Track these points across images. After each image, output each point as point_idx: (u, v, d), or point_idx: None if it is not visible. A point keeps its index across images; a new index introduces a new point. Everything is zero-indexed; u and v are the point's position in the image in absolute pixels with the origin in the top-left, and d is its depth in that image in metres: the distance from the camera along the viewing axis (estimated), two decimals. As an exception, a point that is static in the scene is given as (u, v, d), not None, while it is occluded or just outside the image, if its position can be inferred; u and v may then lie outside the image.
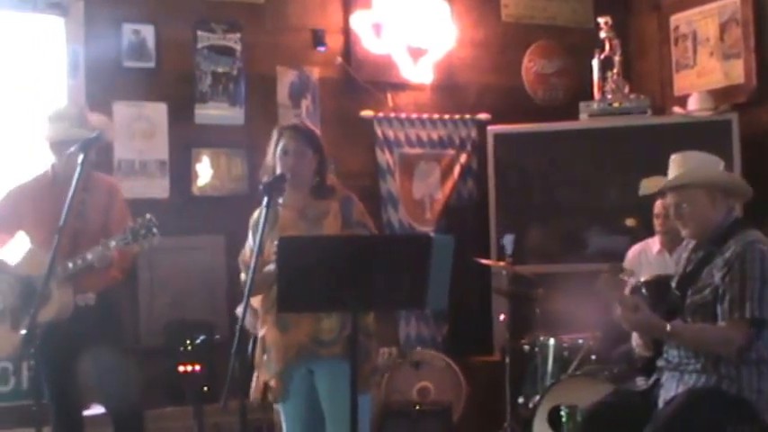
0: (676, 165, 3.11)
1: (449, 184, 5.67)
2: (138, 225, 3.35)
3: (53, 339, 3.56)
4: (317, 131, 3.34)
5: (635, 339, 3.19)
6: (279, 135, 3.24)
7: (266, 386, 3.23)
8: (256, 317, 3.27)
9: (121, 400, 3.70)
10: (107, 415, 3.80)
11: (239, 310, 3.60)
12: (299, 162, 3.19)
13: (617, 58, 5.52)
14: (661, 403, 3.02)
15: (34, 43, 4.93)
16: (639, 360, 3.18)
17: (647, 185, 3.17)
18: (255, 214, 3.29)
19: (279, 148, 3.21)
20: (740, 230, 3.01)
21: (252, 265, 2.85)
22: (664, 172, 3.17)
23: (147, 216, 3.36)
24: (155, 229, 3.34)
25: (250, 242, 3.28)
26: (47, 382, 3.65)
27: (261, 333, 3.26)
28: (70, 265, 3.49)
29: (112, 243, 3.39)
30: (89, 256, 3.45)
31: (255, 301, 3.24)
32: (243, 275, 3.27)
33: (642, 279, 3.52)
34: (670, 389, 3.01)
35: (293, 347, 3.17)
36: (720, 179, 3.11)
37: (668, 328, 2.92)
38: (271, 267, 3.06)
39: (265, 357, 3.22)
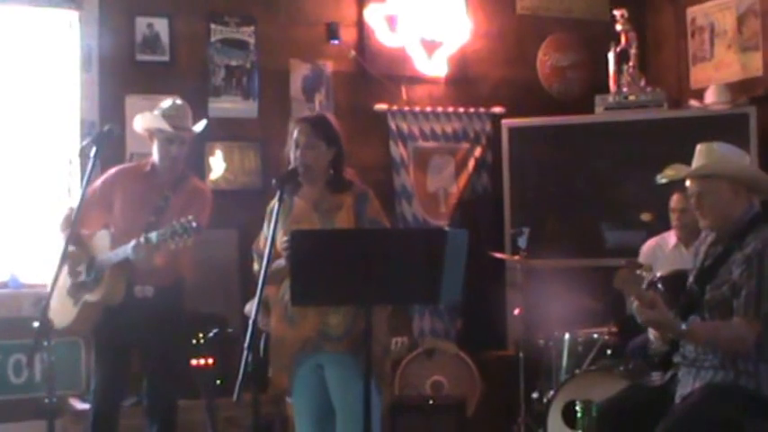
0: (702, 154, 3.07)
1: (463, 178, 5.64)
2: (179, 224, 3.42)
3: (109, 327, 3.69)
4: (335, 123, 3.31)
5: (652, 333, 3.16)
6: (293, 128, 3.23)
7: (274, 380, 3.25)
8: (267, 312, 3.26)
9: (163, 396, 3.81)
10: (139, 404, 3.92)
11: (248, 308, 3.62)
12: (310, 155, 3.17)
13: (633, 51, 5.48)
14: (677, 399, 2.99)
15: (48, 37, 4.94)
16: (656, 355, 3.15)
17: (667, 173, 3.14)
18: (272, 202, 3.26)
19: (292, 141, 3.21)
20: (760, 226, 2.97)
21: (265, 256, 2.84)
22: (680, 163, 3.14)
23: (190, 217, 3.43)
24: (191, 231, 3.40)
25: (265, 231, 3.27)
26: (95, 367, 3.78)
27: (271, 326, 3.25)
28: (120, 251, 3.58)
29: (153, 235, 3.46)
30: (128, 247, 3.52)
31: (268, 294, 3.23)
32: (255, 265, 3.29)
33: (658, 274, 3.49)
34: (686, 384, 2.98)
35: (299, 341, 3.17)
36: (746, 173, 3.07)
37: (683, 327, 2.89)
38: (281, 262, 3.04)
39: (273, 351, 3.24)
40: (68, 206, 3.92)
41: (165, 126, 3.73)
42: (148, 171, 3.83)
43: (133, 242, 3.48)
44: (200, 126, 3.96)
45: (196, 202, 3.79)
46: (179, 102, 3.88)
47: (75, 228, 3.45)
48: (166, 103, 3.86)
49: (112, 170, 3.92)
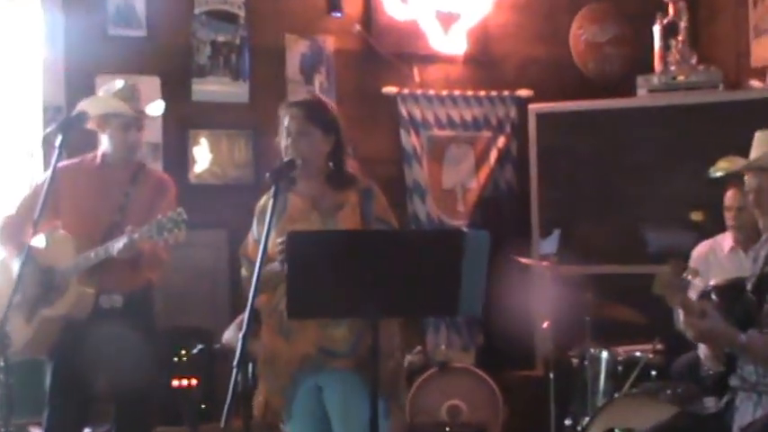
0: (762, 143, 3.04)
1: (484, 172, 5.64)
2: (166, 219, 3.41)
3: (70, 342, 3.64)
4: (332, 107, 3.30)
5: (703, 350, 3.13)
6: (283, 114, 3.23)
7: (267, 403, 3.22)
8: (258, 329, 3.24)
9: (135, 424, 3.77)
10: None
11: (227, 337, 3.61)
12: (304, 144, 3.16)
13: (683, 24, 5.45)
14: (736, 430, 2.96)
15: (5, 9, 4.93)
16: (708, 377, 3.12)
17: (721, 166, 3.12)
18: (263, 200, 3.27)
19: (284, 130, 3.20)
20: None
21: (258, 262, 2.83)
22: (738, 154, 3.11)
23: (179, 210, 3.42)
24: (182, 225, 3.40)
25: (254, 232, 3.26)
26: (49, 393, 3.71)
27: (262, 341, 3.23)
28: (92, 255, 3.56)
29: (136, 235, 3.45)
30: (111, 247, 3.51)
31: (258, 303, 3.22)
32: (243, 271, 3.28)
33: (712, 283, 3.46)
34: (746, 413, 2.95)
35: (297, 359, 3.15)
36: None
37: (742, 339, 2.86)
38: (275, 266, 3.03)
39: (267, 369, 3.21)
40: (3, 215, 3.85)
41: (123, 109, 3.70)
42: (99, 165, 3.79)
43: (124, 239, 3.46)
44: (156, 109, 3.93)
45: (162, 195, 3.78)
46: (131, 82, 3.86)
47: (38, 229, 3.42)
48: (117, 83, 3.82)
49: (54, 170, 3.86)
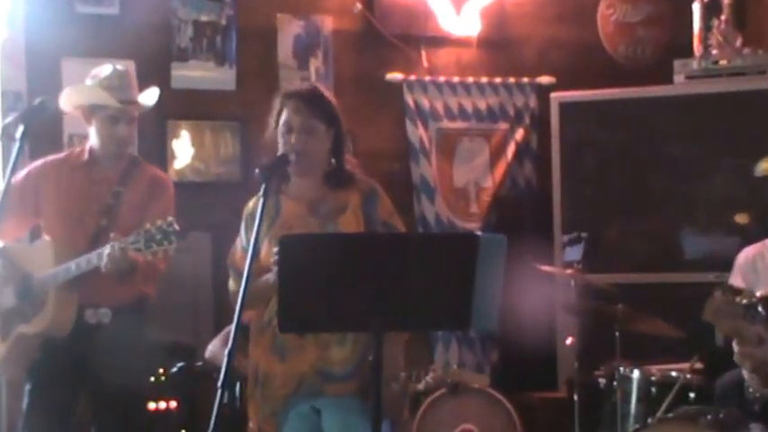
0: None
1: (500, 168, 5.65)
2: (155, 228, 3.40)
3: (52, 360, 3.64)
4: (333, 99, 3.31)
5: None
6: (281, 105, 3.23)
7: (259, 430, 3.22)
8: (245, 345, 3.25)
9: None
10: None
11: (211, 350, 3.58)
12: (307, 141, 3.17)
13: (726, 1, 5.45)
14: (786, 460, 2.97)
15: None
16: (756, 400, 3.12)
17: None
18: (251, 203, 3.27)
19: (281, 123, 3.20)
20: None
21: (246, 270, 2.83)
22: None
23: (169, 219, 3.42)
24: (173, 237, 3.39)
25: (243, 240, 3.27)
26: (27, 419, 3.71)
27: (252, 360, 3.24)
28: (73, 266, 3.55)
29: (121, 245, 3.44)
30: (94, 258, 3.50)
31: (248, 317, 3.23)
32: (231, 282, 3.28)
33: (758, 293, 3.46)
34: (799, 440, 2.95)
35: (292, 380, 3.16)
36: None
37: None
38: (269, 278, 3.04)
39: (258, 391, 3.22)
40: None
41: (108, 101, 3.71)
42: (87, 161, 3.80)
43: (107, 249, 3.45)
44: (150, 97, 3.93)
45: (158, 195, 3.79)
46: (120, 67, 3.85)
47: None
48: (105, 69, 3.82)
49: (37, 163, 3.87)
